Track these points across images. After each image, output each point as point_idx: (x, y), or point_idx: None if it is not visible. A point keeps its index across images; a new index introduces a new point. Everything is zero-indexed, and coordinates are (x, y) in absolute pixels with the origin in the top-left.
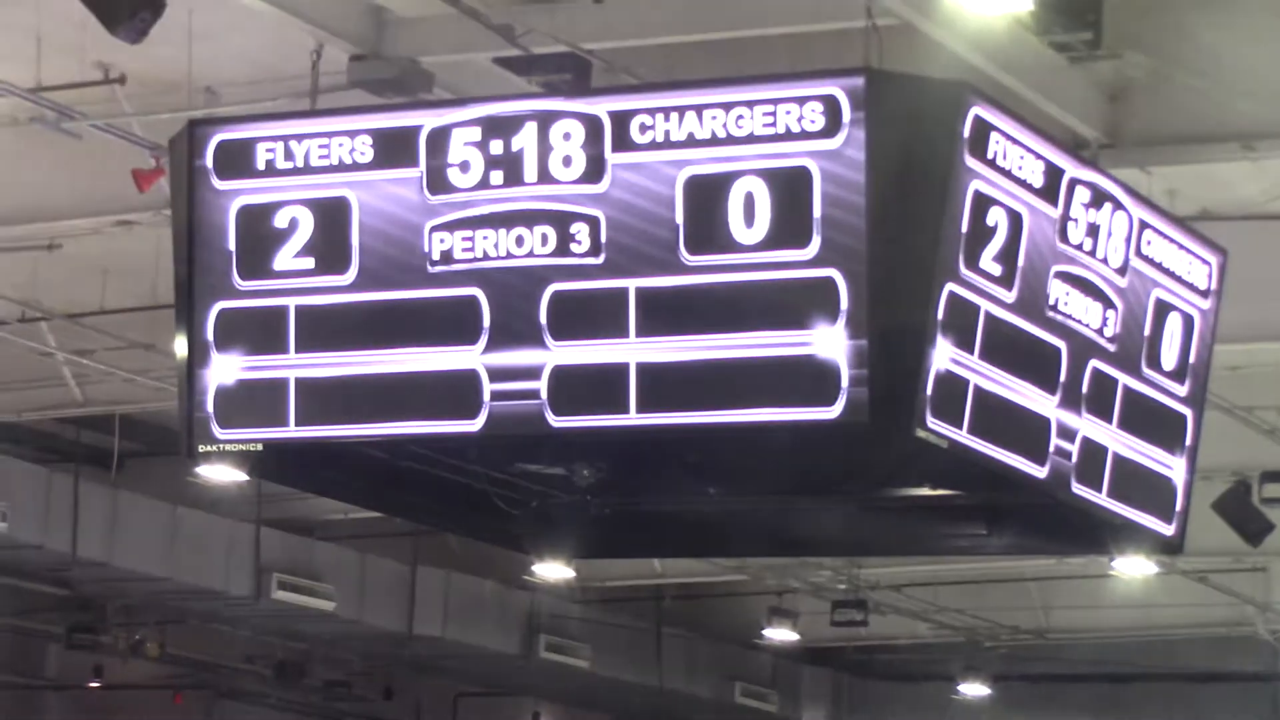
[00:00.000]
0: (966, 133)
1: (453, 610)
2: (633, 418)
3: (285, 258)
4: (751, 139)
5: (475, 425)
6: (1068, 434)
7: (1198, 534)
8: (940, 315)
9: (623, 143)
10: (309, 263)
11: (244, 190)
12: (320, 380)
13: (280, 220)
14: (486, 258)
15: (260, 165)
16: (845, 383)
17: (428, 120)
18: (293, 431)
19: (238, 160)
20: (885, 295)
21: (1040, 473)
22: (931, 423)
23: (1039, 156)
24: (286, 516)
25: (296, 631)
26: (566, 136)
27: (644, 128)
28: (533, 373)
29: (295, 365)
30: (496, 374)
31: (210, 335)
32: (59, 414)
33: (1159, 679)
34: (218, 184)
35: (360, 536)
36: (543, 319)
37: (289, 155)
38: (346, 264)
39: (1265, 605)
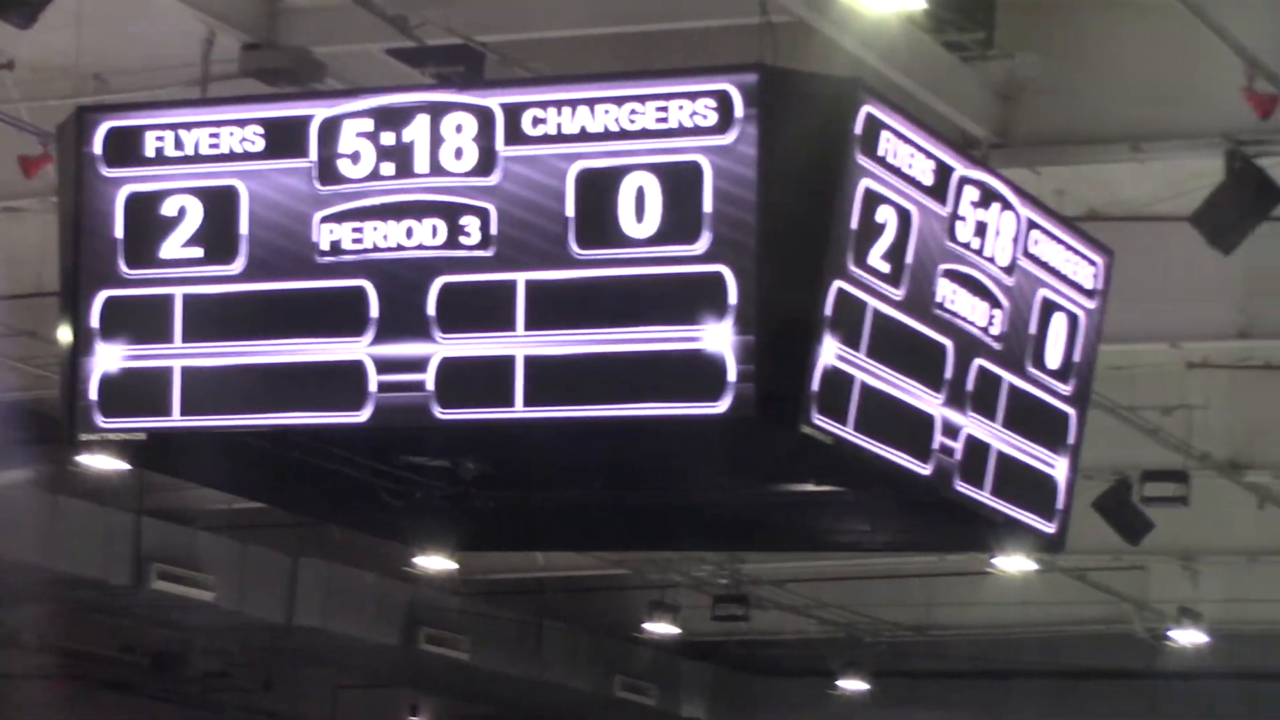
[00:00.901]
0: (858, 130)
1: (333, 601)
2: (519, 411)
3: (173, 246)
4: (644, 134)
5: (361, 417)
6: (952, 432)
7: (1078, 532)
8: (828, 312)
9: (515, 135)
10: (197, 252)
11: (132, 178)
12: (206, 370)
13: (168, 209)
14: (376, 249)
15: (149, 153)
16: (732, 378)
17: (319, 111)
18: (176, 421)
19: (126, 148)
20: (774, 291)
21: (924, 470)
22: (817, 419)
23: (929, 155)
24: (167, 506)
25: (176, 621)
26: (458, 129)
27: (536, 121)
28: (419, 364)
29: (181, 354)
30: (383, 365)
31: (95, 323)
32: None
33: (1038, 676)
34: (106, 171)
35: (242, 527)
36: (431, 311)
37: (179, 144)
38: (235, 253)
39: (1143, 603)
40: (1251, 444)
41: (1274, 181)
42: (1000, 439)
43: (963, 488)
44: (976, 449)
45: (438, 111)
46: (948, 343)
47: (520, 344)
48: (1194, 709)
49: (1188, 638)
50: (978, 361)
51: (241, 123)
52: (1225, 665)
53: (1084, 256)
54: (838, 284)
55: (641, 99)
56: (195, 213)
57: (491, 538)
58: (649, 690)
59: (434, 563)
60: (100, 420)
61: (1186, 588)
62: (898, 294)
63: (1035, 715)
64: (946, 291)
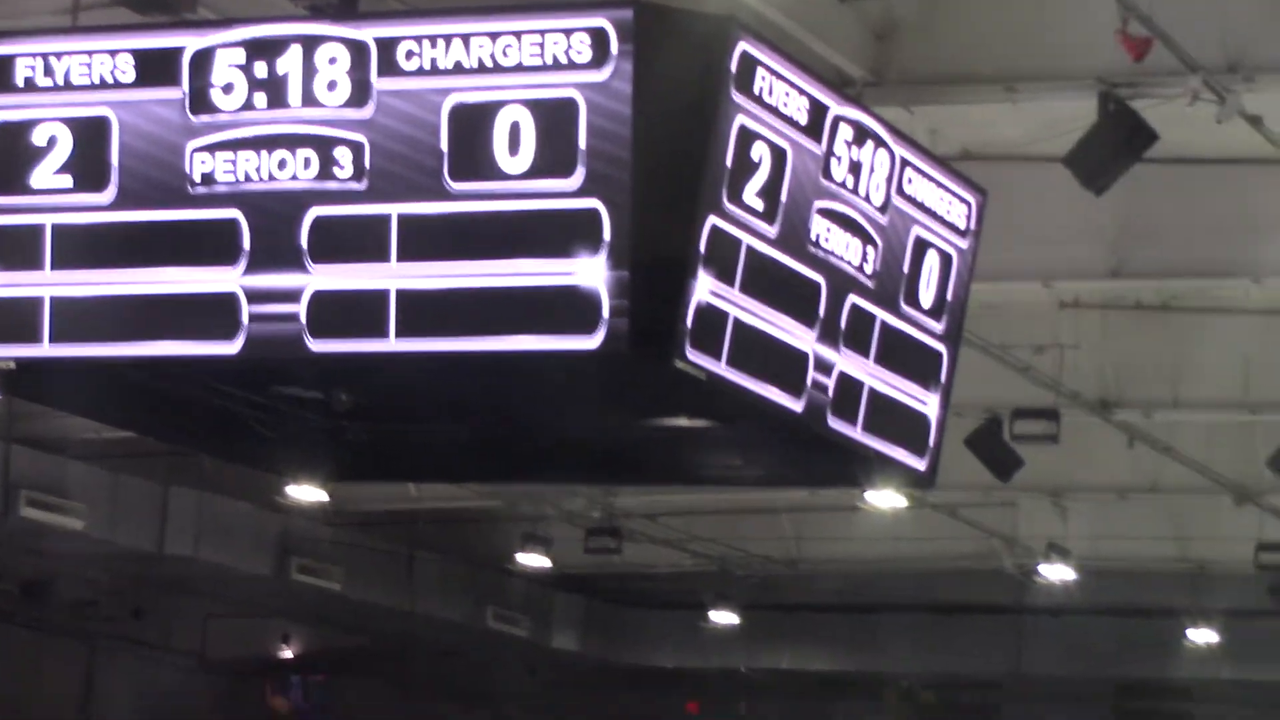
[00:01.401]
0: (733, 68)
1: (204, 531)
2: (392, 344)
3: (43, 175)
4: (518, 69)
5: (233, 348)
6: (825, 368)
7: (949, 469)
8: (702, 248)
9: (389, 68)
10: (67, 181)
11: (1, 106)
12: (76, 299)
13: (38, 137)
14: (248, 180)
15: (19, 82)
16: (606, 313)
17: (191, 41)
18: (47, 350)
19: None
20: (648, 227)
21: (797, 406)
22: (690, 354)
23: (804, 93)
24: (37, 434)
25: (45, 550)
26: (332, 61)
27: (410, 54)
28: (292, 296)
29: (51, 284)
30: (255, 296)
31: None
32: None
33: (908, 610)
34: None
35: (113, 456)
36: (303, 242)
37: (48, 72)
38: (105, 183)
39: (1013, 540)
40: (1121, 383)
41: (1146, 124)
42: (873, 376)
43: (835, 424)
44: (849, 386)
45: (311, 44)
46: (821, 280)
47: (393, 277)
48: (1062, 645)
49: (1056, 574)
50: (851, 299)
51: (113, 52)
52: (1093, 602)
53: (957, 196)
54: (712, 220)
55: (516, 34)
56: (65, 142)
57: (364, 469)
58: (521, 621)
59: (306, 493)
60: None
61: (1056, 525)
62: (772, 231)
63: (904, 649)
64: (821, 229)
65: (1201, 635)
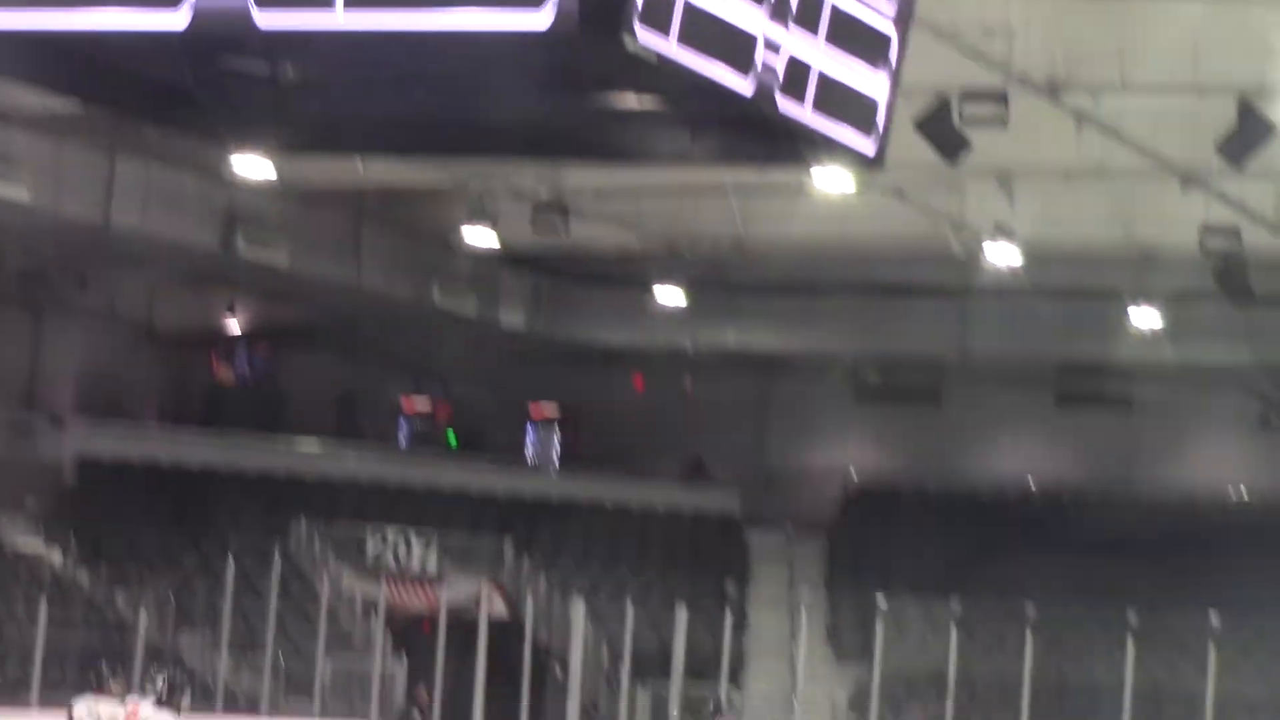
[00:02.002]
0: None
1: (151, 202)
2: (339, 18)
3: None
4: None
5: (179, 22)
6: (774, 48)
7: (897, 151)
8: None
9: None
10: None
11: None
12: None
13: None
14: None
15: None
16: None
17: None
18: None
19: None
20: None
21: (745, 86)
22: (640, 31)
23: None
24: None
25: None
26: None
27: None
28: None
29: None
30: None
31: None
32: None
33: (854, 292)
34: None
35: (57, 124)
36: None
37: None
38: None
39: (960, 222)
40: (1070, 66)
41: None
42: (822, 56)
43: (784, 104)
44: (798, 66)
45: None
46: None
47: None
48: (1006, 327)
49: (1002, 256)
50: None
51: None
52: (1038, 284)
53: None
54: None
55: None
56: None
57: (310, 142)
58: (468, 298)
59: (253, 167)
60: None
61: (1002, 208)
62: None
63: (849, 330)
64: None
65: (1144, 318)
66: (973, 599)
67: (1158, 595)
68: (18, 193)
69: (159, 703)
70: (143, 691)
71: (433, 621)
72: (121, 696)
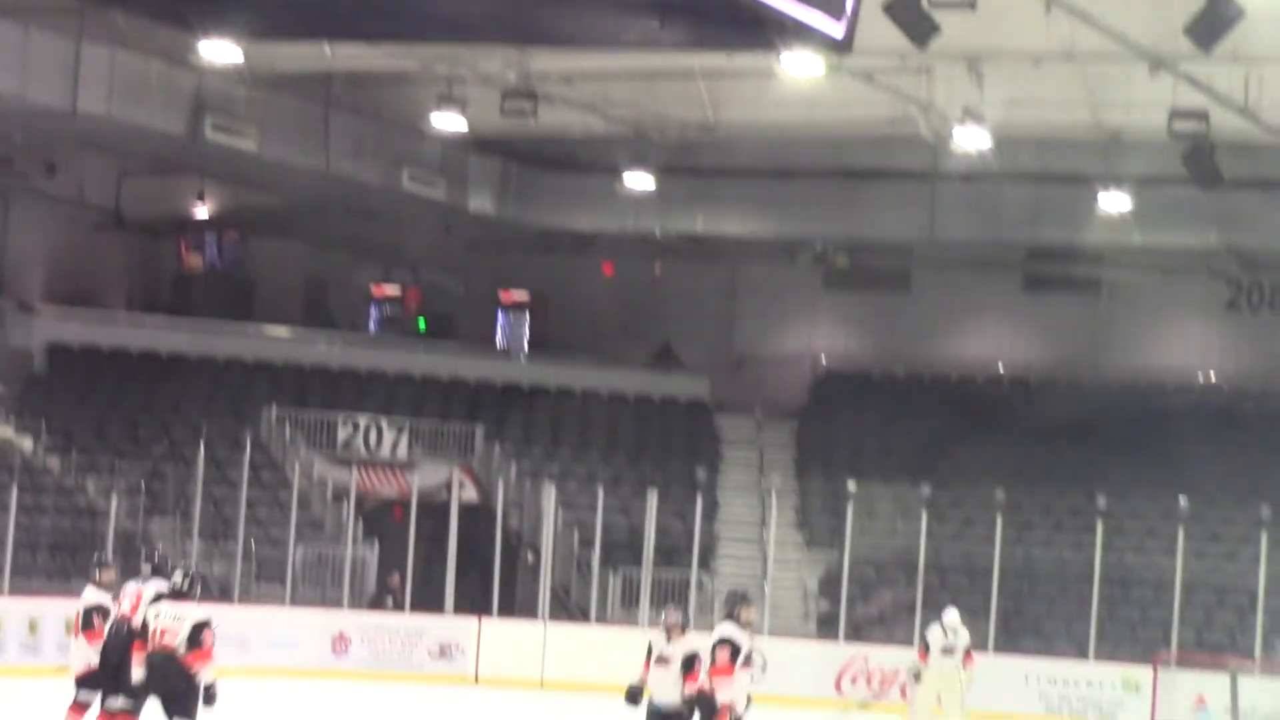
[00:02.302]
0: None
1: (117, 88)
2: None
3: None
4: None
5: None
6: None
7: (866, 34)
8: None
9: None
10: None
11: None
12: None
13: None
14: None
15: None
16: None
17: None
18: None
19: None
20: None
21: None
22: None
23: None
24: None
25: None
26: None
27: None
28: None
29: None
30: None
31: None
32: None
33: (821, 175)
34: None
35: (22, 9)
36: None
37: None
38: None
39: (928, 106)
40: None
41: None
42: None
43: None
44: None
45: None
46: None
47: None
48: (974, 211)
49: (970, 140)
50: None
51: None
52: (1006, 168)
53: None
54: None
55: None
56: None
57: (277, 27)
58: (437, 183)
59: (220, 52)
60: None
61: (971, 91)
62: None
63: (818, 214)
64: None
65: (1113, 201)
66: (942, 484)
67: (1126, 479)
68: None
69: (176, 595)
70: (139, 579)
71: (404, 507)
72: (114, 587)
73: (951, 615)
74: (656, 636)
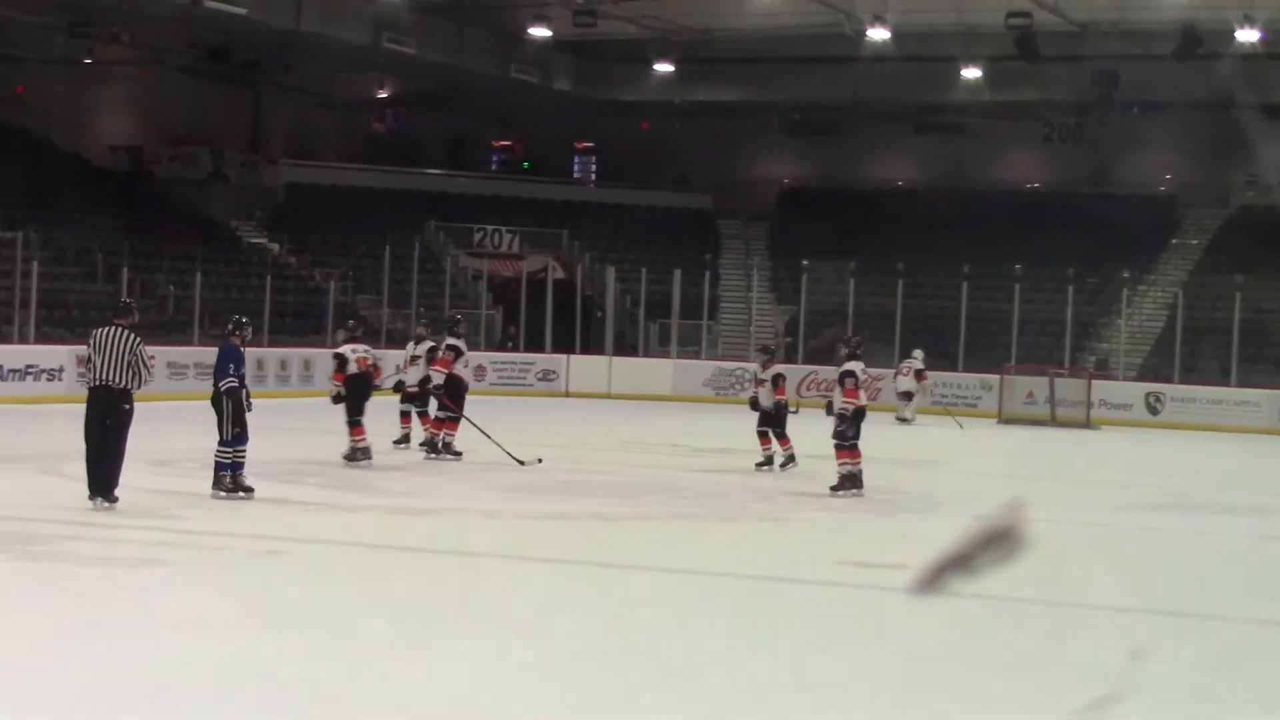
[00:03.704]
0: None
1: (327, 14)
2: None
3: None
4: None
5: None
6: None
7: None
8: None
9: None
10: None
11: None
12: None
13: None
14: None
15: None
16: None
17: None
18: None
19: None
20: None
21: None
22: None
23: None
24: None
25: None
26: None
27: None
28: None
29: None
30: None
31: None
32: None
33: (781, 60)
34: None
35: None
36: None
37: None
38: None
39: (850, 12)
40: None
41: None
42: None
43: None
44: None
45: None
46: None
47: None
48: (883, 80)
49: (878, 34)
50: None
51: None
52: (903, 51)
53: None
54: None
55: None
56: None
57: None
58: (533, 72)
59: None
60: None
61: (878, 2)
62: None
63: (779, 86)
64: None
65: (971, 72)
66: (863, 260)
67: (981, 255)
68: (237, 8)
69: (351, 338)
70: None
71: (518, 283)
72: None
73: (919, 352)
74: (756, 367)
